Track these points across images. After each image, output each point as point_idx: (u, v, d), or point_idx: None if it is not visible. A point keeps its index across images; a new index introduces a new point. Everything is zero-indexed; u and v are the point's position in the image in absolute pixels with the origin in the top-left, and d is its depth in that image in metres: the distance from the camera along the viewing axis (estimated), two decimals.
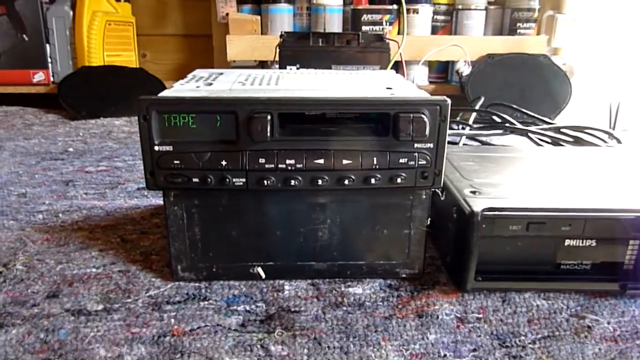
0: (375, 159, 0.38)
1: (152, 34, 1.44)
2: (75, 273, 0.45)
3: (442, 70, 1.32)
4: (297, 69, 0.96)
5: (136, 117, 1.06)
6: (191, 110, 0.37)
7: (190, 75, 0.50)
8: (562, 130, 0.79)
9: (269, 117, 0.36)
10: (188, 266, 0.43)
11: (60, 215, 0.57)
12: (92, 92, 1.24)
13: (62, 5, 1.31)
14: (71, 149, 0.89)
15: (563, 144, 0.77)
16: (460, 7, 1.24)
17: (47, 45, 1.32)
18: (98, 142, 0.94)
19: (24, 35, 1.32)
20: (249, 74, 0.51)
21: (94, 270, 0.45)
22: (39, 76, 1.34)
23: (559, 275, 0.43)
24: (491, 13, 1.26)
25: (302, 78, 0.50)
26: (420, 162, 0.38)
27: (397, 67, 1.08)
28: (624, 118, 0.99)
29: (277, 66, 0.97)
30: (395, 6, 1.22)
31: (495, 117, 0.91)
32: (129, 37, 1.38)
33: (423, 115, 0.37)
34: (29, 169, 0.77)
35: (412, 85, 0.46)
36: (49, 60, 1.33)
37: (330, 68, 0.96)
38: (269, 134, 0.36)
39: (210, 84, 0.45)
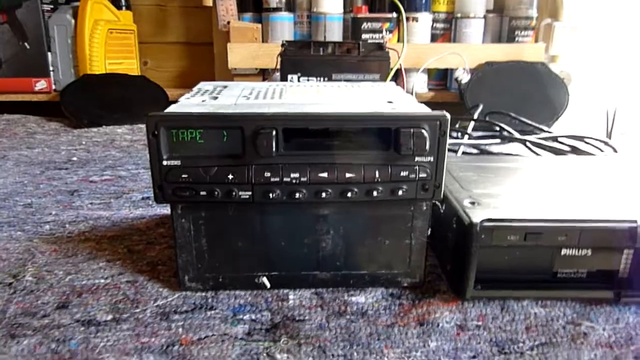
0: (377, 172, 0.39)
1: (154, 42, 1.45)
2: (84, 284, 0.46)
3: (441, 78, 1.34)
4: (298, 77, 0.98)
5: (138, 125, 1.07)
6: (199, 126, 0.38)
7: (195, 89, 0.52)
8: (559, 139, 0.80)
9: (274, 133, 0.37)
10: (195, 276, 0.44)
11: (67, 225, 0.58)
12: (94, 100, 1.26)
13: (63, 13, 1.33)
14: (75, 158, 0.90)
15: (560, 152, 0.78)
16: (459, 15, 1.26)
17: (49, 54, 1.34)
18: (101, 151, 0.96)
19: (26, 43, 1.34)
20: (253, 87, 0.53)
21: (102, 280, 0.46)
22: (41, 84, 1.35)
23: (556, 283, 0.45)
24: (490, 21, 1.28)
25: (305, 91, 0.51)
26: (420, 175, 0.39)
27: (398, 74, 1.10)
28: (622, 122, 1.01)
29: (279, 74, 0.98)
30: (395, 14, 1.24)
31: (492, 124, 0.93)
32: (130, 45, 1.40)
33: (423, 130, 0.38)
34: (33, 178, 0.78)
35: (412, 99, 0.48)
36: (51, 68, 1.34)
37: (331, 76, 0.97)
38: (274, 149, 0.37)
39: (216, 98, 0.46)
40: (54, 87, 1.35)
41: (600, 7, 1.26)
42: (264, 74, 1.33)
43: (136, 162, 0.88)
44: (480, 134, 1.00)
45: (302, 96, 0.48)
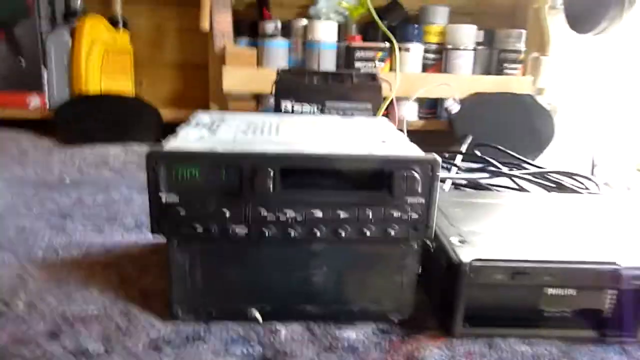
0: (370, 212, 0.40)
1: (150, 63, 1.46)
2: (76, 313, 0.46)
3: (431, 106, 1.36)
4: (292, 104, 1.00)
5: (131, 146, 1.07)
6: (198, 164, 0.39)
7: (193, 121, 0.53)
8: (545, 175, 0.82)
9: (271, 172, 0.38)
10: (188, 308, 0.44)
11: (60, 251, 0.58)
12: (88, 120, 1.26)
13: (61, 32, 1.34)
14: (68, 180, 0.90)
15: (546, 188, 0.80)
16: (450, 46, 1.29)
17: (44, 70, 1.34)
18: (94, 172, 0.96)
19: (21, 59, 1.34)
20: (249, 120, 0.54)
21: (94, 310, 0.47)
22: (35, 102, 1.35)
23: (542, 322, 0.46)
24: (479, 53, 1.31)
25: (300, 126, 0.52)
26: (412, 216, 0.41)
27: (390, 102, 1.12)
28: (605, 152, 1.04)
29: (273, 100, 1.00)
30: (387, 44, 1.26)
31: (482, 160, 0.95)
32: (126, 66, 1.41)
33: (415, 173, 0.39)
34: (26, 200, 0.78)
35: (404, 137, 0.49)
36: (46, 85, 1.35)
37: (325, 104, 0.99)
38: (271, 188, 0.38)
39: (214, 132, 0.47)
40: (47, 104, 1.35)
41: (586, 42, 1.30)
42: (258, 99, 1.35)
43: (129, 184, 0.88)
44: (468, 165, 1.02)
45: (298, 132, 0.49)
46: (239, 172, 0.39)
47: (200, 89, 1.42)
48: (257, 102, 1.36)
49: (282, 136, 0.47)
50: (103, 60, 1.32)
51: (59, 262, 0.56)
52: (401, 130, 0.94)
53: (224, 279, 0.43)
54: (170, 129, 1.33)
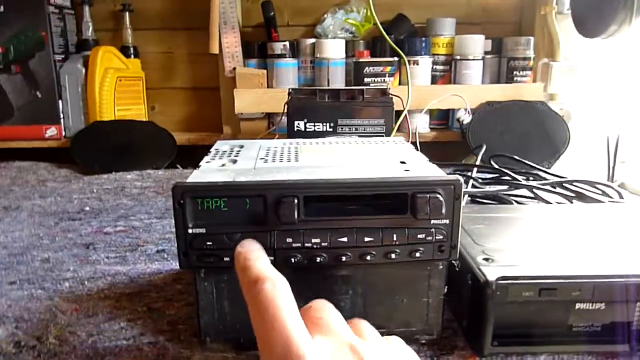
0: (395, 235, 0.40)
1: (161, 87, 1.49)
2: (106, 346, 0.47)
3: (442, 117, 1.36)
4: (305, 123, 1.01)
5: (147, 171, 1.09)
6: (223, 195, 0.40)
7: (213, 150, 0.53)
8: (565, 184, 0.82)
9: (295, 201, 0.39)
10: (216, 338, 0.45)
11: (86, 282, 0.59)
12: (103, 147, 1.28)
13: (74, 62, 1.37)
14: (87, 208, 0.91)
15: (567, 198, 0.80)
16: (458, 57, 1.30)
17: (60, 101, 1.37)
18: (113, 199, 0.97)
19: (37, 92, 1.37)
20: (268, 147, 0.55)
21: (124, 342, 0.47)
22: (51, 131, 1.38)
23: (572, 337, 0.45)
24: (488, 62, 1.32)
25: (320, 151, 0.53)
26: (437, 237, 0.41)
27: (399, 115, 1.12)
28: (622, 150, 1.03)
29: (286, 119, 1.00)
30: (396, 58, 1.27)
31: (498, 171, 0.95)
32: (138, 92, 1.43)
33: (439, 195, 0.39)
34: (48, 230, 0.79)
35: (423, 157, 0.49)
36: (61, 115, 1.38)
37: (337, 122, 0.99)
38: (296, 216, 0.39)
39: (235, 161, 0.48)
40: (63, 133, 1.38)
41: (596, 46, 1.29)
42: (269, 118, 1.36)
43: (148, 211, 0.89)
44: (484, 175, 1.02)
45: (317, 157, 0.50)
46: (263, 202, 0.39)
47: (212, 111, 1.44)
48: (269, 121, 1.37)
49: (302, 162, 0.48)
50: (116, 87, 1.35)
51: (85, 294, 0.56)
52: (414, 143, 0.94)
53: None
54: (184, 151, 1.35)
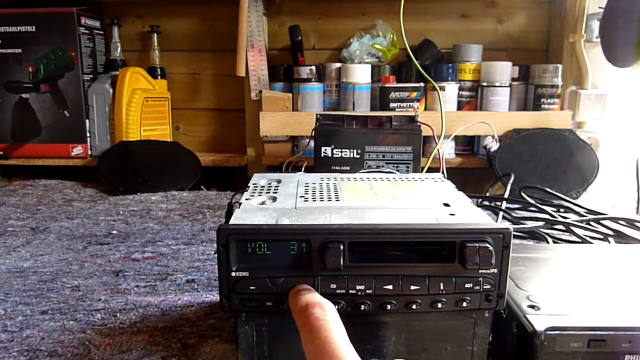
0: (441, 284, 0.39)
1: (186, 108, 1.50)
2: None
3: (468, 143, 1.35)
4: (332, 149, 1.00)
5: (172, 192, 1.09)
6: (268, 239, 0.39)
7: (251, 185, 0.53)
8: (601, 221, 0.80)
9: (341, 247, 0.38)
10: None
11: (118, 314, 0.59)
12: (129, 167, 1.29)
13: (103, 83, 1.39)
14: (115, 231, 0.92)
15: (604, 236, 0.78)
16: (485, 84, 1.29)
17: (87, 121, 1.39)
18: (139, 222, 0.97)
19: (65, 111, 1.39)
20: (306, 183, 0.54)
21: None
22: (77, 150, 1.40)
23: None
24: (515, 89, 1.30)
25: (359, 188, 0.52)
26: (485, 287, 0.40)
27: (425, 141, 1.11)
28: None
29: (313, 144, 1.00)
30: (422, 84, 1.27)
31: (531, 205, 0.93)
32: (164, 112, 1.45)
33: (488, 245, 0.38)
34: (77, 255, 0.79)
35: (466, 200, 0.48)
36: (88, 134, 1.39)
37: (364, 149, 0.99)
38: (341, 262, 0.38)
39: (274, 199, 0.48)
40: (89, 152, 1.39)
41: (624, 74, 1.28)
42: (293, 141, 1.36)
43: (174, 236, 0.89)
44: (511, 206, 1.00)
45: (358, 197, 0.49)
46: (308, 247, 0.39)
47: (236, 133, 1.44)
48: (293, 144, 1.37)
49: (343, 201, 0.47)
50: (143, 107, 1.36)
51: (118, 327, 0.56)
52: (440, 169, 0.93)
53: (291, 351, 0.42)
54: (208, 172, 1.35)
